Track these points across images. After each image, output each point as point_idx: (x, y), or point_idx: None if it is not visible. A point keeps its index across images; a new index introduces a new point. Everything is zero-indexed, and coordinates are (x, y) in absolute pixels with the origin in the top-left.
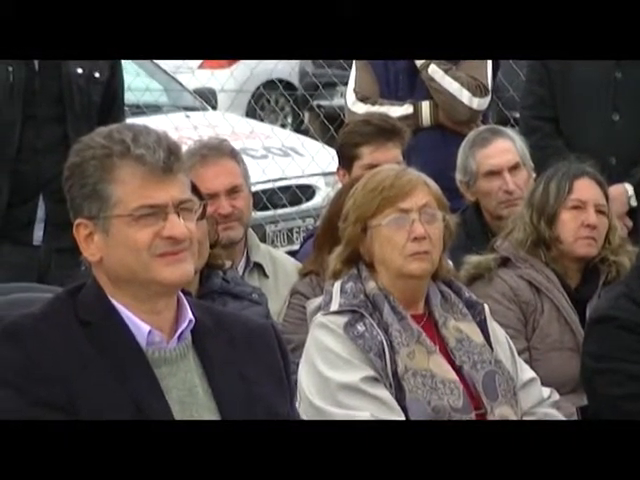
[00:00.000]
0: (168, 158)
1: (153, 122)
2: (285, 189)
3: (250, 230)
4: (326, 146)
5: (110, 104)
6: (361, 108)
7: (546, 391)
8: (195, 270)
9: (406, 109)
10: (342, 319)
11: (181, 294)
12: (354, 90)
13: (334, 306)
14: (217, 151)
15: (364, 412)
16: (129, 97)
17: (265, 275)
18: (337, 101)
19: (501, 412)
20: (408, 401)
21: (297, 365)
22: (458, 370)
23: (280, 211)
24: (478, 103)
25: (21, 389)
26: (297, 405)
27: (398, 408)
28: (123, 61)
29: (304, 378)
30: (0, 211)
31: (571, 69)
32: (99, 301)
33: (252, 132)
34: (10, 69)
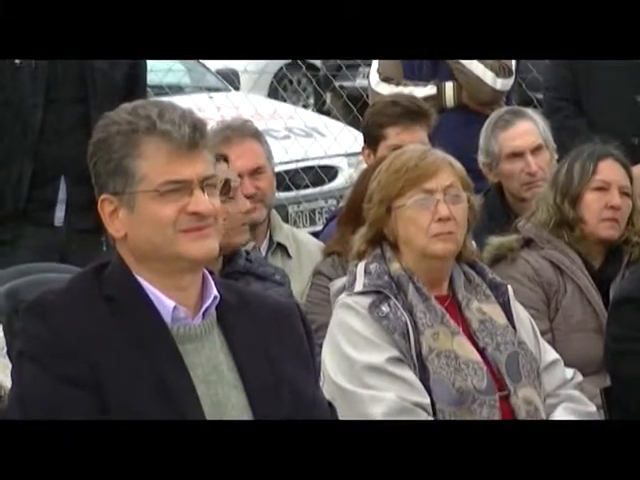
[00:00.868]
0: (193, 134)
1: (177, 102)
2: (308, 170)
3: (273, 211)
4: (349, 127)
5: (133, 85)
6: (385, 89)
7: (569, 372)
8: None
9: (430, 90)
10: (366, 300)
11: (205, 271)
12: (378, 71)
13: (358, 287)
14: (240, 132)
15: (389, 393)
16: (152, 78)
17: (288, 256)
18: (360, 82)
19: (524, 394)
20: (432, 382)
21: (320, 346)
22: (481, 351)
23: (303, 192)
24: (502, 84)
25: (46, 364)
26: (321, 385)
27: (423, 389)
28: None
29: (328, 359)
30: (22, 193)
31: None
32: (123, 277)
33: (275, 113)
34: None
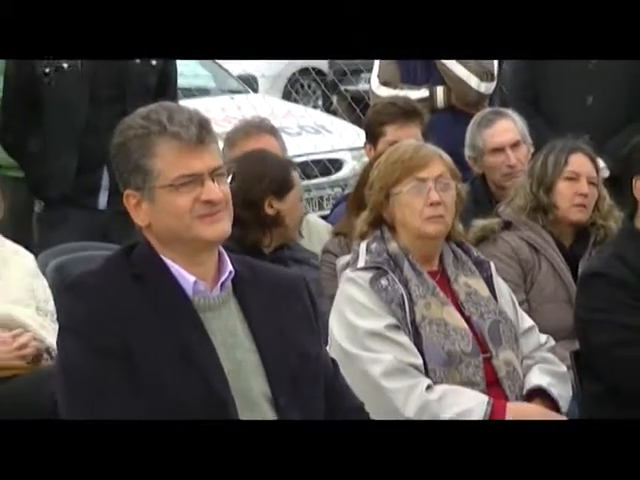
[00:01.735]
0: (200, 132)
1: (202, 103)
2: (317, 162)
3: None
4: (352, 125)
5: (165, 87)
6: (384, 92)
7: (543, 337)
8: None
9: (423, 93)
10: (368, 274)
11: (221, 248)
12: (378, 76)
13: (361, 263)
14: (258, 128)
15: (387, 355)
16: (181, 81)
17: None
18: (362, 86)
19: (505, 356)
20: (425, 346)
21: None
22: (467, 319)
23: (312, 181)
24: (485, 87)
25: (82, 336)
26: (328, 349)
27: (417, 352)
28: None
29: (334, 326)
30: (69, 180)
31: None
32: (149, 257)
33: (288, 113)
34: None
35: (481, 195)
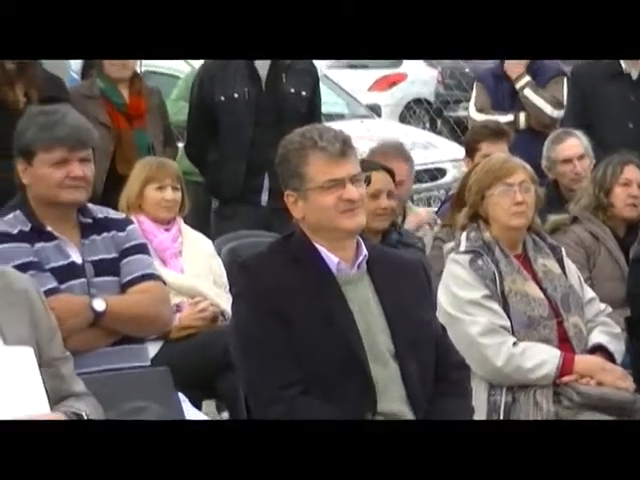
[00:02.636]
0: (343, 147)
1: (339, 126)
2: (426, 170)
3: None
4: (453, 142)
5: (312, 113)
6: (479, 117)
7: (602, 306)
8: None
9: (509, 117)
10: (467, 257)
11: (358, 237)
12: (474, 104)
13: (462, 248)
14: (396, 154)
15: (483, 318)
16: (323, 108)
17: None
18: (461, 112)
19: (573, 320)
20: (511, 312)
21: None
22: (544, 292)
23: (423, 185)
24: (557, 114)
25: (251, 304)
26: (437, 314)
27: (505, 316)
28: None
29: (442, 296)
30: (239, 183)
31: (597, 90)
32: (304, 243)
33: (405, 133)
34: (246, 89)
35: (554, 196)
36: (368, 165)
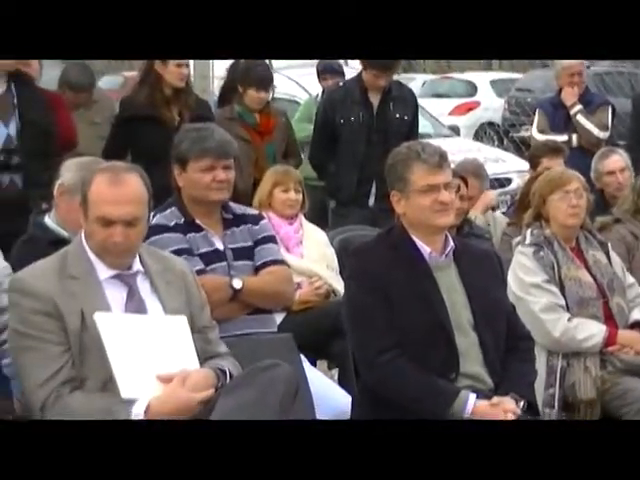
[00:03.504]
0: (440, 160)
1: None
2: (496, 179)
3: None
4: (518, 157)
5: (412, 133)
6: (540, 137)
7: None
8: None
9: (564, 137)
10: (531, 249)
11: (446, 231)
12: (536, 127)
13: (527, 242)
14: (474, 171)
15: (544, 299)
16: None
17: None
18: (524, 133)
19: (616, 300)
20: (567, 294)
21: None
22: (594, 277)
23: (493, 191)
24: (603, 135)
25: (360, 285)
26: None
27: (562, 297)
28: None
29: (511, 280)
30: (352, 188)
31: None
32: (403, 235)
33: (478, 149)
34: (360, 114)
35: (600, 202)
36: None
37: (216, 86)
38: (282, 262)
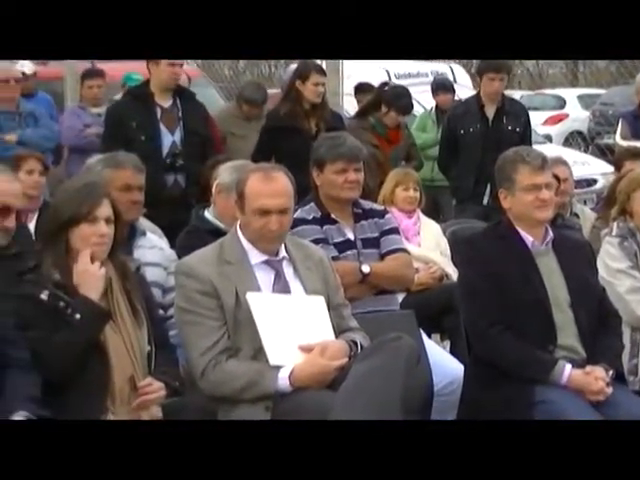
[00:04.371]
0: (542, 163)
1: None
2: (584, 180)
3: None
4: (602, 161)
5: (522, 143)
6: (623, 143)
7: None
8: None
9: None
10: (617, 239)
11: (546, 224)
12: (620, 134)
13: (613, 233)
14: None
15: (628, 281)
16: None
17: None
18: (606, 141)
19: None
20: None
21: None
22: None
23: (581, 190)
24: None
25: (473, 267)
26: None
27: None
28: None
29: (600, 266)
30: (470, 189)
31: None
32: (509, 227)
33: (568, 154)
34: (478, 126)
35: None
36: None
37: (345, 101)
38: (404, 250)
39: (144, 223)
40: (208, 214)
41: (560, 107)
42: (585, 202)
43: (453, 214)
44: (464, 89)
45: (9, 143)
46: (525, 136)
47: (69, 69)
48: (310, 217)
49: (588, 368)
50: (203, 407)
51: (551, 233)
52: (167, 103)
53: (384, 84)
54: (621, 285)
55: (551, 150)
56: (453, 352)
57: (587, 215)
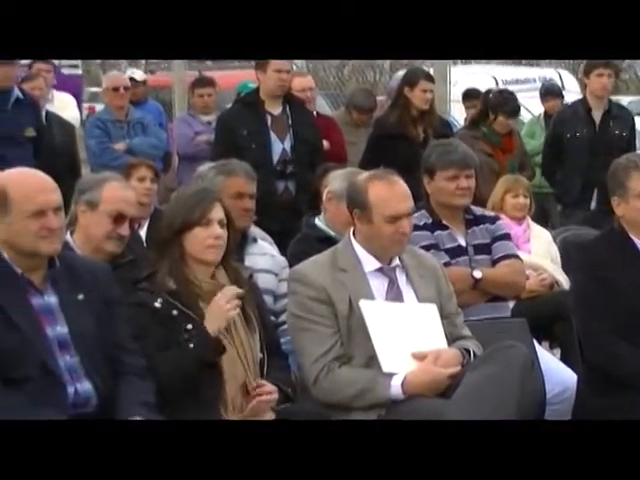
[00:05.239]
0: None
1: None
2: None
3: None
4: None
5: (628, 147)
6: None
7: None
8: None
9: None
10: None
11: None
12: None
13: None
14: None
15: None
16: None
17: None
18: None
19: None
20: None
21: None
22: None
23: None
24: None
25: (586, 274)
26: None
27: None
28: None
29: None
30: (577, 194)
31: None
32: (622, 234)
33: None
34: (584, 130)
35: None
36: None
37: (452, 108)
38: (516, 256)
39: (255, 230)
40: (319, 221)
41: None
42: None
43: (558, 219)
44: (572, 95)
45: (118, 152)
46: (631, 140)
47: (177, 77)
48: (421, 223)
49: None
50: (316, 414)
51: None
52: (277, 111)
53: (488, 91)
54: None
55: None
56: (564, 360)
57: None
